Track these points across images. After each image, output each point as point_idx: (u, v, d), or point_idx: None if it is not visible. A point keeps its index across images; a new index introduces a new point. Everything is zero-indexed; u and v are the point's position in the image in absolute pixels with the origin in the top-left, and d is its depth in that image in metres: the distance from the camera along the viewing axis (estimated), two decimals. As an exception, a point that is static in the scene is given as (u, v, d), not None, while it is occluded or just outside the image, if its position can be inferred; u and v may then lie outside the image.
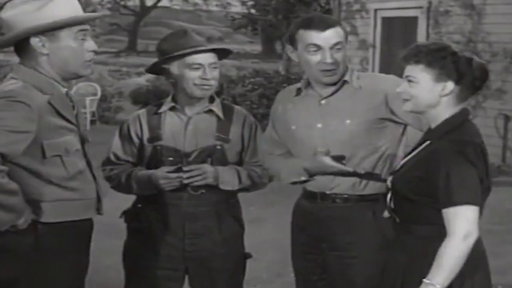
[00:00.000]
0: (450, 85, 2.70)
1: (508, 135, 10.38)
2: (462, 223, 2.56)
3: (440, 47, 2.74)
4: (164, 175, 3.21)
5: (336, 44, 3.08)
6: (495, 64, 10.48)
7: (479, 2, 10.66)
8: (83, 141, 2.83)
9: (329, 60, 3.06)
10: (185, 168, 3.21)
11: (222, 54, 3.38)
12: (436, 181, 2.61)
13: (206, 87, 3.27)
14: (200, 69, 3.25)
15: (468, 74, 2.70)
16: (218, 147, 3.30)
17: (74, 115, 2.80)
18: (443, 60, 2.69)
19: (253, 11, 24.52)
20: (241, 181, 3.31)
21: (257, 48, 35.98)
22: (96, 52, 2.79)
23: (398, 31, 11.88)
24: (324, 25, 3.07)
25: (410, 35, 11.18)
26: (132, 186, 3.30)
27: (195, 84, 3.26)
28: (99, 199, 2.87)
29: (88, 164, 2.85)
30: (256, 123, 3.47)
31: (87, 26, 2.77)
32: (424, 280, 2.57)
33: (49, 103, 2.67)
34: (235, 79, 15.30)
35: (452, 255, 2.55)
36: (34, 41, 2.68)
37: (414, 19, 11.65)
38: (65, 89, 2.78)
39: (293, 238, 3.35)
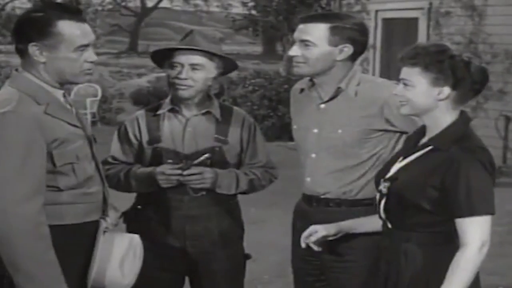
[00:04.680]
0: (446, 90, 2.62)
1: (509, 136, 10.38)
2: (479, 233, 2.53)
3: (438, 50, 2.64)
4: (162, 172, 3.20)
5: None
6: (496, 65, 10.48)
7: (480, 3, 10.66)
8: (91, 143, 2.80)
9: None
10: (185, 173, 3.18)
11: (226, 63, 3.32)
12: (456, 190, 2.54)
13: (181, 86, 3.23)
14: (178, 68, 3.24)
15: (466, 79, 2.61)
16: (217, 148, 3.29)
17: (76, 118, 2.76)
18: (441, 64, 2.59)
19: (254, 12, 24.48)
20: (238, 186, 3.30)
21: (258, 49, 35.94)
22: (93, 62, 2.72)
23: (398, 32, 11.88)
24: None
25: (411, 36, 11.18)
26: (131, 184, 3.29)
27: (170, 83, 3.26)
28: (105, 202, 2.83)
29: (97, 166, 2.80)
30: (255, 124, 3.46)
31: (90, 42, 2.72)
32: None
33: (46, 113, 2.62)
34: (235, 80, 15.25)
35: (468, 265, 2.52)
36: (32, 49, 2.64)
37: (415, 20, 11.66)
38: (62, 91, 2.74)
39: (293, 239, 3.35)
